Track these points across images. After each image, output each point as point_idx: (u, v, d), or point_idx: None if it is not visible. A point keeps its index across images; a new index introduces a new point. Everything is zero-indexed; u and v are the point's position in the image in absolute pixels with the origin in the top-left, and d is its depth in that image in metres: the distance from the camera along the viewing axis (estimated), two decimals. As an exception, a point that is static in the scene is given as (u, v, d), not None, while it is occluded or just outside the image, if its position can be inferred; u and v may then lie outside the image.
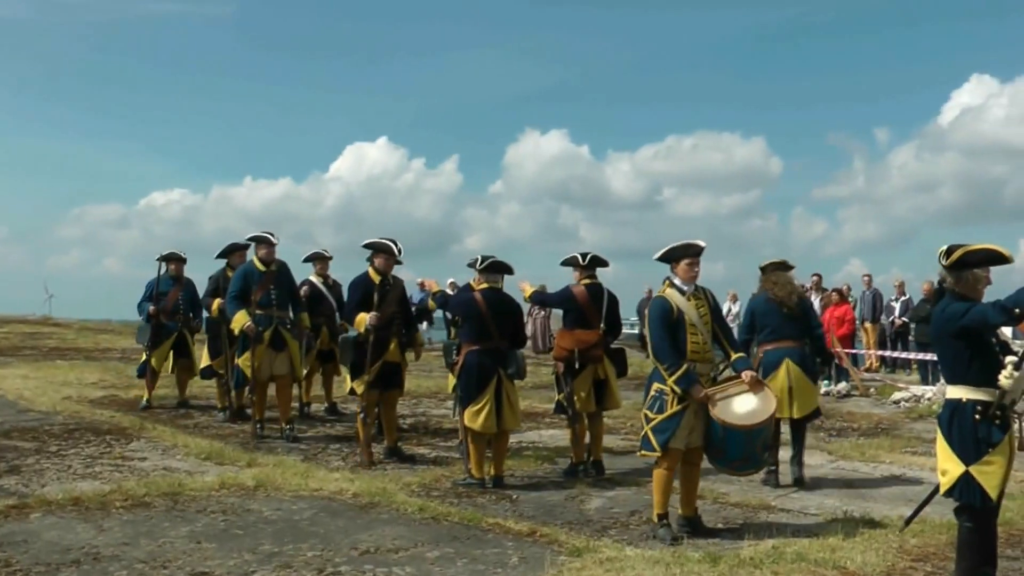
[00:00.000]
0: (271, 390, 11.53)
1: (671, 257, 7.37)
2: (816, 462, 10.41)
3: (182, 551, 6.42)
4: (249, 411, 11.74)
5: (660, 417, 7.07)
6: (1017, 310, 5.18)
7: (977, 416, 5.43)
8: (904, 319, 20.84)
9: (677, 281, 7.34)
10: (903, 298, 21.25)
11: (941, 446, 5.63)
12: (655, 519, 7.29)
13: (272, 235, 11.35)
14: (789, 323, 9.37)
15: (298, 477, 8.70)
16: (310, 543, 6.70)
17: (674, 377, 6.98)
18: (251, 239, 11.55)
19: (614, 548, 6.67)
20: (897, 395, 16.54)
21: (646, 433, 7.19)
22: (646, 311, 7.50)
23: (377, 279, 9.97)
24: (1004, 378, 5.34)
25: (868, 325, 21.62)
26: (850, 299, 20.28)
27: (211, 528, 7.04)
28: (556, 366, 9.59)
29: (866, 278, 22.32)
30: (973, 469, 5.44)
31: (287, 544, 6.66)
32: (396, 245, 9.96)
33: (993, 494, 5.44)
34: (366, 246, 10.11)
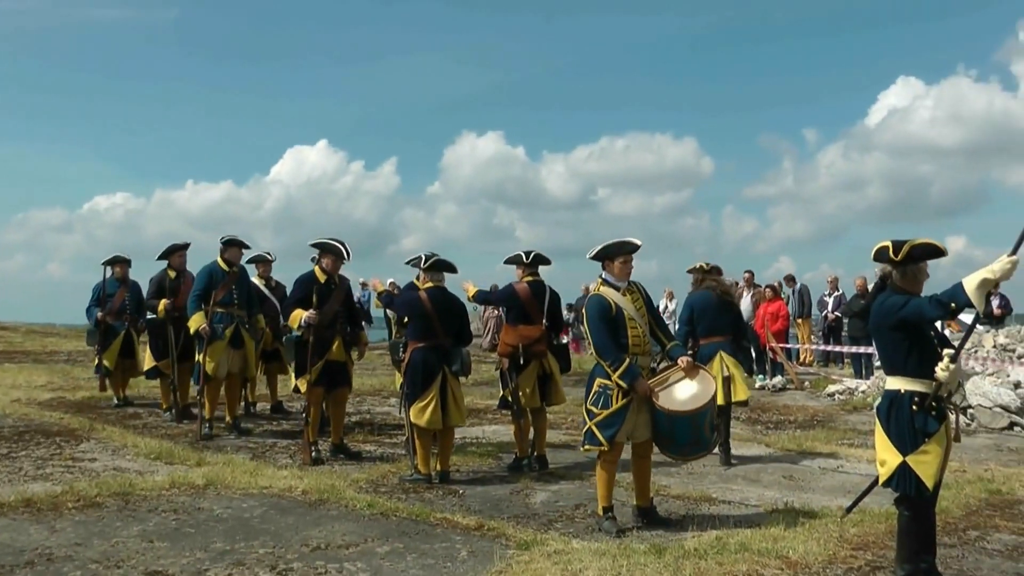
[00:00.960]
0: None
1: (605, 255, 7.45)
2: (754, 454, 10.67)
3: (135, 550, 6.42)
4: (195, 410, 11.77)
5: (606, 412, 7.16)
6: (953, 304, 5.36)
7: (914, 407, 5.60)
8: (837, 314, 21.22)
9: (611, 279, 7.44)
10: (836, 293, 21.61)
11: (880, 436, 5.78)
12: (600, 512, 7.41)
13: (244, 241, 11.75)
14: (723, 318, 10.14)
15: (247, 475, 8.73)
16: (261, 540, 6.73)
17: (618, 372, 7.06)
18: (225, 242, 11.64)
19: (561, 541, 6.76)
20: (831, 388, 16.92)
21: (590, 428, 7.26)
22: (583, 309, 7.62)
23: (323, 278, 10.02)
24: (941, 370, 5.50)
25: (799, 320, 21.98)
26: (783, 295, 20.65)
27: (163, 527, 7.04)
28: (501, 362, 9.73)
29: (787, 279, 22.45)
30: (910, 459, 5.60)
31: (239, 542, 6.69)
32: (345, 247, 10.01)
33: (929, 483, 5.59)
34: (314, 245, 10.14)
